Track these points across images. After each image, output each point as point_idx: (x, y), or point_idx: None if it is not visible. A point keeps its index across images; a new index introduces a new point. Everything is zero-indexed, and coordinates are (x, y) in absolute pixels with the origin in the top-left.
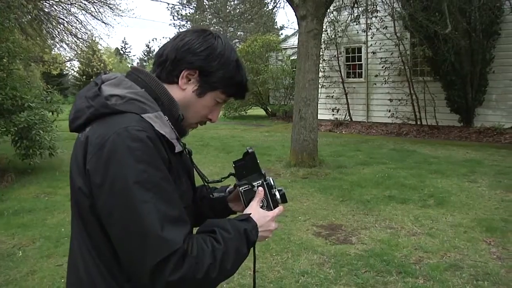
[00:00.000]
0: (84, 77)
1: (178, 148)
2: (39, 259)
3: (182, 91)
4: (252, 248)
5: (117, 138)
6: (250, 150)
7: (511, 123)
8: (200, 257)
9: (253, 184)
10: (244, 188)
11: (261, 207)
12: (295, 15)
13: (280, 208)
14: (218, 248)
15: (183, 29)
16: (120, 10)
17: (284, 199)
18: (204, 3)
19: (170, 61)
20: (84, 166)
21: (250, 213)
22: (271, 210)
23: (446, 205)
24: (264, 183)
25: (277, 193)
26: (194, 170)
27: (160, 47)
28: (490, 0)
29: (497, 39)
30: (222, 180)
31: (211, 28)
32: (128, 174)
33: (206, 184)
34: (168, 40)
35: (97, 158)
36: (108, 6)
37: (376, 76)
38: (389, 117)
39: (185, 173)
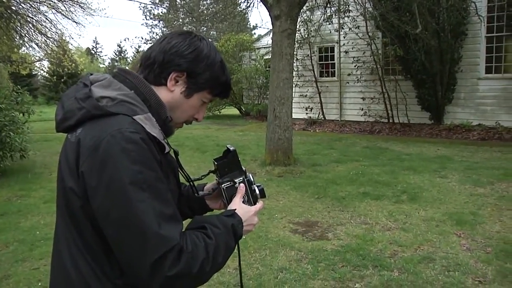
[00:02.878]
0: (54, 77)
1: (167, 149)
2: (14, 263)
3: (170, 92)
4: (236, 245)
5: (112, 140)
6: (231, 148)
7: (479, 120)
8: (195, 252)
9: (235, 181)
10: (226, 185)
11: (243, 202)
12: (269, 15)
13: (261, 203)
14: (210, 243)
15: (156, 29)
16: (92, 9)
17: (263, 194)
18: (177, 3)
19: (158, 63)
20: (76, 168)
21: (235, 209)
22: (252, 205)
23: (418, 200)
24: (245, 179)
25: (256, 189)
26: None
27: (146, 49)
28: (458, 1)
29: (464, 39)
30: (202, 177)
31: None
32: (123, 175)
33: (190, 183)
34: (153, 42)
35: (92, 160)
36: (79, 5)
37: (348, 75)
38: (362, 115)
39: (171, 172)
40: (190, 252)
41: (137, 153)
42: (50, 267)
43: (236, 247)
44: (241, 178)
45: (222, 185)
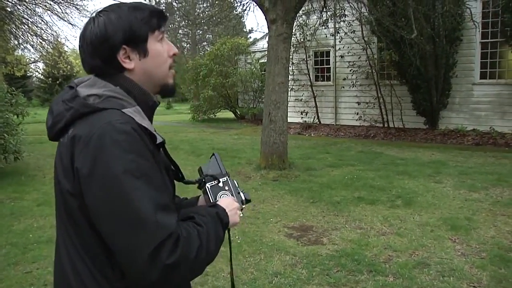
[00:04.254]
0: (49, 79)
1: (159, 139)
2: (6, 267)
3: (135, 70)
4: (229, 246)
5: (102, 133)
6: (215, 153)
7: (473, 125)
8: (189, 240)
9: (220, 180)
10: (211, 184)
11: None
12: (265, 18)
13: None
14: (201, 231)
15: None
16: (87, 11)
17: (247, 199)
18: (173, 6)
19: (100, 62)
20: (72, 166)
21: (216, 200)
22: None
23: (413, 205)
24: (229, 179)
25: (241, 193)
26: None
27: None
28: (453, 7)
29: (459, 45)
30: (196, 182)
31: (179, 31)
32: (117, 165)
33: (182, 181)
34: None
35: (84, 154)
36: (75, 7)
37: (344, 79)
38: (357, 119)
39: (164, 169)
40: (186, 238)
41: (129, 143)
42: (54, 273)
43: (229, 249)
44: (225, 178)
45: (207, 184)
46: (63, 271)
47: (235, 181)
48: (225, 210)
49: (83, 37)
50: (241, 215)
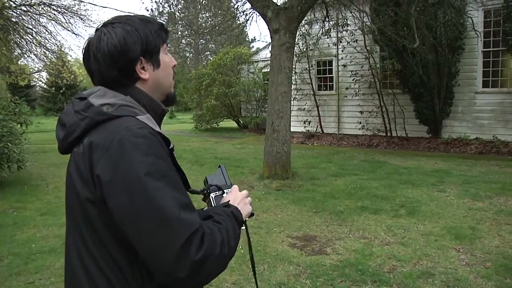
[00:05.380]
0: (53, 88)
1: (171, 145)
2: (8, 277)
3: (147, 80)
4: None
5: (122, 138)
6: (221, 165)
7: (476, 134)
8: (213, 236)
9: (224, 190)
10: (215, 194)
11: None
12: (268, 28)
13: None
14: (221, 227)
15: None
16: (91, 21)
17: (251, 212)
18: (176, 16)
19: (116, 73)
20: (91, 174)
21: (228, 201)
22: None
23: (417, 214)
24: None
25: None
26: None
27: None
28: (454, 16)
29: (462, 54)
30: (201, 192)
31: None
32: (138, 168)
33: (187, 190)
34: None
35: (105, 160)
36: (79, 17)
37: (346, 88)
38: (359, 129)
39: (177, 172)
40: (209, 234)
41: (148, 146)
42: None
43: (249, 249)
44: (230, 190)
45: (211, 194)
46: (75, 278)
47: None
48: (237, 208)
49: (97, 49)
50: (250, 208)
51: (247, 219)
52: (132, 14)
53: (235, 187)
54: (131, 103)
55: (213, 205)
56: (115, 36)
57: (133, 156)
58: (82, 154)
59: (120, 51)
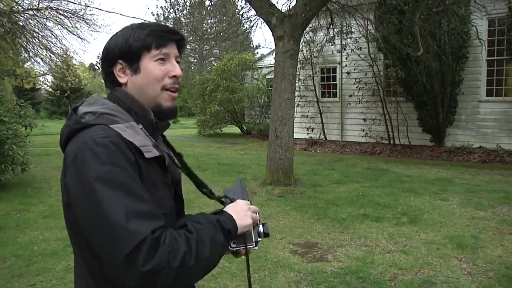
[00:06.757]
0: (58, 91)
1: (149, 154)
2: (10, 279)
3: (127, 84)
4: (245, 259)
5: (84, 147)
6: (240, 178)
7: (480, 143)
8: (174, 246)
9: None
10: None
11: None
12: (272, 35)
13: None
14: (191, 237)
15: None
16: (97, 26)
17: (266, 232)
18: (181, 21)
19: (103, 73)
20: (64, 182)
21: (222, 208)
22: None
23: (419, 222)
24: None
25: (260, 225)
26: (190, 178)
27: None
28: (459, 25)
29: (465, 62)
30: (212, 196)
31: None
32: (94, 175)
33: (203, 192)
34: None
35: (71, 169)
36: (85, 22)
37: (350, 96)
38: (363, 136)
39: (162, 181)
40: (168, 245)
41: (106, 154)
42: None
43: (245, 258)
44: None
45: (226, 205)
46: (76, 279)
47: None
48: (231, 217)
49: None
50: (256, 210)
51: (259, 239)
52: (147, 22)
53: (243, 201)
54: (114, 111)
55: None
56: (107, 42)
57: (90, 165)
58: (63, 161)
59: (103, 54)
